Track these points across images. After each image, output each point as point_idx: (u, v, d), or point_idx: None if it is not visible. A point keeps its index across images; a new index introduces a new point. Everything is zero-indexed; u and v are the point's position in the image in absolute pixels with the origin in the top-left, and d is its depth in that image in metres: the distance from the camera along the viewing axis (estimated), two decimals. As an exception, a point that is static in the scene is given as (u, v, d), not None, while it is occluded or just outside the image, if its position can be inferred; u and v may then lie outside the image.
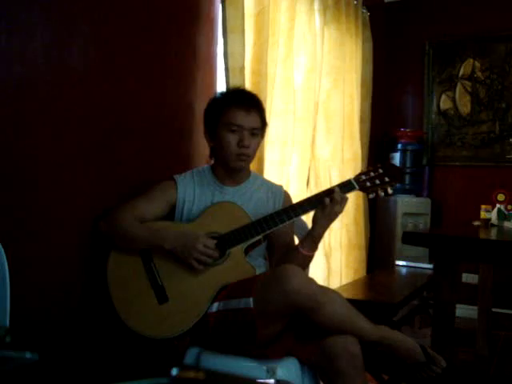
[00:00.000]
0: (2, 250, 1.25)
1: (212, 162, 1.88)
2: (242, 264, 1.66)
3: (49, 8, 1.61)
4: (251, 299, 1.51)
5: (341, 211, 1.69)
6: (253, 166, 2.09)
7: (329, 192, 1.70)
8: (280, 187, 1.92)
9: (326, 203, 1.66)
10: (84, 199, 1.75)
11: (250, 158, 1.79)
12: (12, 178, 1.53)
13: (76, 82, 1.71)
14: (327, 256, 3.32)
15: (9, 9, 1.49)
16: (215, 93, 1.96)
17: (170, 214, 1.79)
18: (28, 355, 0.87)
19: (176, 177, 1.82)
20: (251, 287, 1.54)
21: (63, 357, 1.65)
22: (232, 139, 1.73)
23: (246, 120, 1.74)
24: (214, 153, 1.84)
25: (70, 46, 1.68)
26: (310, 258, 1.75)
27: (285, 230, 1.79)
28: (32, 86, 1.58)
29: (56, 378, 1.60)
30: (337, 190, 1.69)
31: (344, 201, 1.68)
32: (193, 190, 1.80)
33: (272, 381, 1.49)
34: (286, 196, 1.91)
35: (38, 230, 1.61)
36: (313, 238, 1.71)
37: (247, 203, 1.79)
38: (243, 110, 1.74)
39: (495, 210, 2.79)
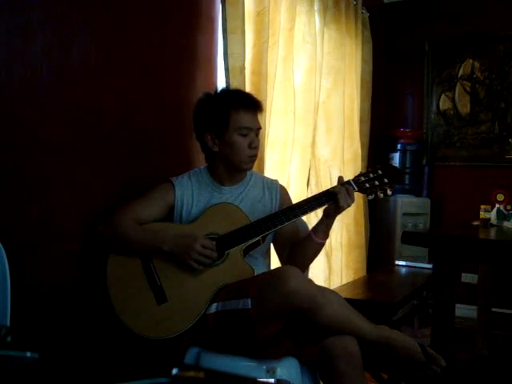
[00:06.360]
0: (2, 250, 1.25)
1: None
2: (240, 265, 1.66)
3: (49, 8, 1.61)
4: (249, 300, 1.51)
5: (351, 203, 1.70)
6: (253, 167, 2.09)
7: (329, 190, 1.70)
8: (275, 182, 1.91)
9: (342, 195, 1.66)
10: (84, 200, 1.75)
11: (256, 157, 1.80)
12: (12, 178, 1.53)
13: (76, 83, 1.71)
14: (328, 256, 3.32)
15: (9, 9, 1.49)
16: (203, 95, 1.84)
17: (169, 215, 1.79)
18: (28, 355, 0.88)
19: (173, 179, 1.82)
20: (249, 288, 1.55)
21: (63, 357, 1.65)
22: (244, 142, 1.73)
23: (254, 122, 1.75)
24: (215, 156, 1.80)
25: (70, 46, 1.69)
26: (322, 246, 1.76)
27: (289, 228, 1.79)
28: (32, 87, 1.58)
29: (56, 378, 1.60)
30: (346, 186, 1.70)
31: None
32: (191, 192, 1.80)
33: (272, 380, 1.49)
34: (283, 190, 1.90)
35: (38, 231, 1.61)
36: (326, 225, 1.72)
37: (245, 201, 1.79)
38: (250, 112, 1.75)
39: (494, 209, 2.78)
